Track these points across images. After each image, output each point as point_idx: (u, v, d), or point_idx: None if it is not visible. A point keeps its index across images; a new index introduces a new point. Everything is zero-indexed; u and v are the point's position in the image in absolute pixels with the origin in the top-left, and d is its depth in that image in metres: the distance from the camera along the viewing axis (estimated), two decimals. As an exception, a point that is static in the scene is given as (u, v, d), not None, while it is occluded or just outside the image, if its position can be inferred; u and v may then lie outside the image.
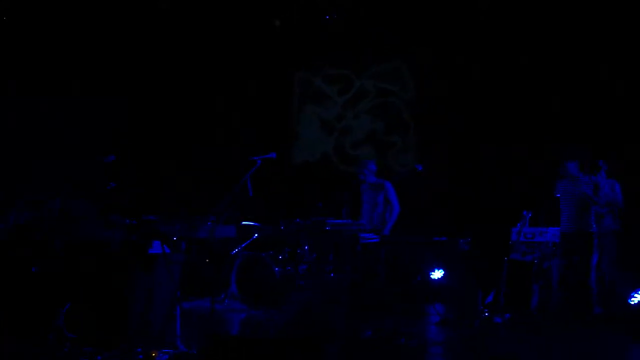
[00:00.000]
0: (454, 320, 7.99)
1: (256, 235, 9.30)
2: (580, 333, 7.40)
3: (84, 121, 9.99)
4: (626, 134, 8.97)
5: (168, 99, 11.03)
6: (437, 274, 9.55)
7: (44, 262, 5.80)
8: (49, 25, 9.65)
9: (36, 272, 5.78)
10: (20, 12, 9.52)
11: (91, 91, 9.99)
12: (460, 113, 10.07)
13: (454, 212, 9.63)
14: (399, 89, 11.10)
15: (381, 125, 11.17)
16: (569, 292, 7.94)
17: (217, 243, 8.94)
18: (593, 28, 9.03)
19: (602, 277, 7.92)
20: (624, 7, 8.86)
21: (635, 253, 8.11)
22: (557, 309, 7.89)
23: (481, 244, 8.87)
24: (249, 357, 4.82)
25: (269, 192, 9.17)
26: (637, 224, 8.32)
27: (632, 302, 7.91)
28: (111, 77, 10.29)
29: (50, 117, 9.66)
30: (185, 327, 6.20)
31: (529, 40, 9.49)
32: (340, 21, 10.63)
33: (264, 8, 10.55)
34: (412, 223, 9.43)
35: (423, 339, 7.18)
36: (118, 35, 10.20)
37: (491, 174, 9.58)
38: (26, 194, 6.30)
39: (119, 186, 7.21)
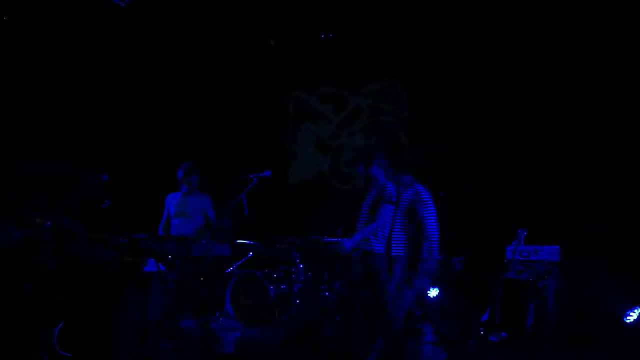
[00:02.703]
0: (449, 339, 7.98)
1: (251, 253, 9.29)
2: (576, 352, 7.40)
3: (78, 133, 9.96)
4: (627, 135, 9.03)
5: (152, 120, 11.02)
6: (432, 293, 9.53)
7: (38, 282, 5.78)
8: (41, 24, 9.61)
9: (29, 292, 5.76)
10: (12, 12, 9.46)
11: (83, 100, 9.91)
12: (455, 129, 10.08)
13: (448, 231, 9.61)
14: (394, 108, 11.13)
15: (376, 144, 11.17)
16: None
17: (211, 261, 8.93)
18: (593, 28, 9.04)
19: None
20: (624, 7, 8.88)
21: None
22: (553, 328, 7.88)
23: (476, 263, 8.89)
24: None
25: (264, 210, 9.16)
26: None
27: (628, 321, 7.91)
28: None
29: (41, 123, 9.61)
30: (179, 346, 6.18)
31: (528, 40, 9.53)
32: (336, 40, 10.68)
33: (258, 25, 10.58)
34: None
35: (418, 358, 7.16)
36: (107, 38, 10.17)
37: (486, 191, 9.57)
38: (18, 213, 6.29)
39: (113, 205, 7.22)
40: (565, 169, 9.18)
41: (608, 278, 7.89)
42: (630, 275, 7.98)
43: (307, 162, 11.62)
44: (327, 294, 8.69)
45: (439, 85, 10.27)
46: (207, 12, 10.20)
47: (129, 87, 10.50)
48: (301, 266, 8.86)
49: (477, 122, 9.88)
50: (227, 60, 11.04)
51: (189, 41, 10.64)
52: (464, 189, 9.73)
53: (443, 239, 6.85)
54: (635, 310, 7.92)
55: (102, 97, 9.92)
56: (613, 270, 7.88)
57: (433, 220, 6.66)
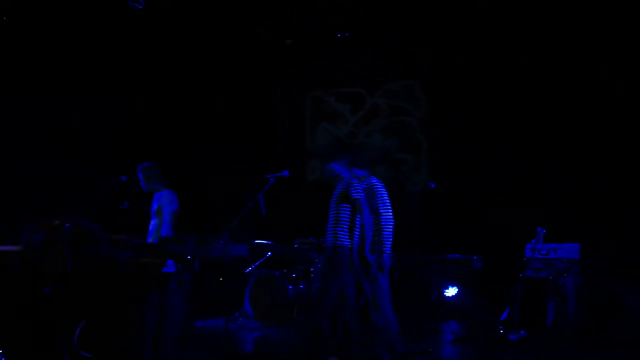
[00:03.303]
0: (469, 338, 7.96)
1: (269, 253, 9.31)
2: (596, 351, 7.35)
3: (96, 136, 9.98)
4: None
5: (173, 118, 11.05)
6: (451, 292, 9.52)
7: (57, 283, 5.81)
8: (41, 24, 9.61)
9: (49, 293, 5.80)
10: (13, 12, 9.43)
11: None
12: (470, 127, 10.09)
13: (467, 230, 9.58)
14: (411, 107, 11.12)
15: (393, 144, 11.17)
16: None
17: (230, 262, 8.93)
18: (593, 28, 9.06)
19: None
20: (624, 7, 8.88)
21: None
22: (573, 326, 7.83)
23: (495, 261, 8.86)
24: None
25: (282, 210, 9.17)
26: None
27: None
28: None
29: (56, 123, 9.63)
30: (199, 346, 6.21)
31: (529, 40, 9.55)
32: (353, 39, 10.69)
33: (272, 25, 10.60)
34: (426, 240, 9.41)
35: (438, 357, 7.14)
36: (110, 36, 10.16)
37: (504, 190, 9.54)
38: (37, 215, 6.33)
39: (131, 206, 7.24)
40: (582, 168, 9.19)
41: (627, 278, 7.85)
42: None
43: (324, 161, 11.61)
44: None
45: (443, 85, 10.34)
46: (210, 11, 10.20)
47: (134, 87, 10.51)
48: (319, 266, 8.86)
49: (488, 122, 9.90)
50: (229, 60, 11.02)
51: (191, 41, 10.62)
52: (480, 188, 9.72)
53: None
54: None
55: (102, 97, 9.89)
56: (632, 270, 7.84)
57: (388, 214, 6.60)
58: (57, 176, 9.06)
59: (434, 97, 10.81)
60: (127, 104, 10.31)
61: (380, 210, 6.56)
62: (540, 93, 9.58)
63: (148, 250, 6.23)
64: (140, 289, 5.89)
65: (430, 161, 10.92)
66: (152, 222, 7.91)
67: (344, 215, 6.54)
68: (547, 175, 9.42)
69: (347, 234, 6.54)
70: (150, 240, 7.88)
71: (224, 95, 11.23)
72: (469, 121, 10.09)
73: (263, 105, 11.51)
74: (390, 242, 6.58)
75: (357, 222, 6.57)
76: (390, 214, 6.60)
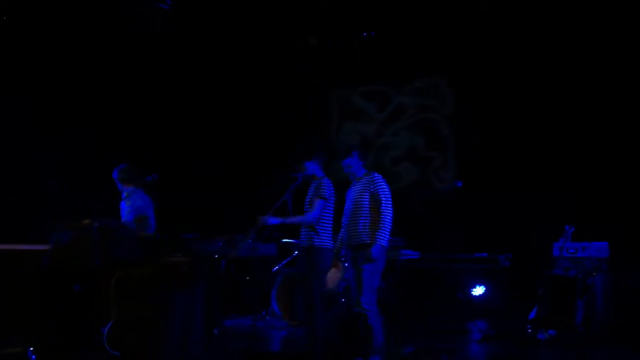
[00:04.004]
0: (496, 337, 7.92)
1: (296, 252, 9.32)
2: (627, 350, 7.28)
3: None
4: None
5: (200, 113, 11.11)
6: (479, 290, 9.47)
7: (86, 281, 5.87)
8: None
9: (78, 291, 5.86)
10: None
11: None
12: (497, 126, 10.05)
13: (494, 228, 9.53)
14: (438, 104, 11.08)
15: (420, 141, 11.13)
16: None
17: (257, 261, 8.96)
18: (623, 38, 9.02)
19: None
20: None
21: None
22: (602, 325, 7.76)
23: (523, 260, 8.79)
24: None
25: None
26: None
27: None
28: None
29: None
30: (226, 345, 6.24)
31: (549, 36, 9.56)
32: (376, 38, 10.69)
33: (301, 27, 10.63)
34: (453, 239, 9.37)
35: (465, 356, 7.12)
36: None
37: (531, 188, 9.48)
38: (66, 215, 6.38)
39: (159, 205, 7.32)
40: (609, 165, 9.13)
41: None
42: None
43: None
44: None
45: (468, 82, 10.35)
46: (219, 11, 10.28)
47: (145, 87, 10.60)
48: (346, 264, 8.85)
49: (515, 120, 9.89)
50: (253, 55, 11.04)
51: (208, 39, 10.69)
52: (504, 185, 9.68)
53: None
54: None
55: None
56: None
57: (387, 208, 6.57)
58: (79, 175, 9.15)
59: (460, 94, 10.78)
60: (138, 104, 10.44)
61: (383, 204, 6.54)
62: (566, 90, 9.54)
63: (177, 249, 6.28)
64: (166, 287, 5.94)
65: (457, 159, 10.88)
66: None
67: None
68: (575, 172, 9.35)
69: (330, 233, 6.66)
70: None
71: (239, 94, 11.24)
72: (495, 119, 10.05)
73: (283, 103, 11.49)
74: (388, 235, 6.54)
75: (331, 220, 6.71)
76: (391, 208, 6.57)
